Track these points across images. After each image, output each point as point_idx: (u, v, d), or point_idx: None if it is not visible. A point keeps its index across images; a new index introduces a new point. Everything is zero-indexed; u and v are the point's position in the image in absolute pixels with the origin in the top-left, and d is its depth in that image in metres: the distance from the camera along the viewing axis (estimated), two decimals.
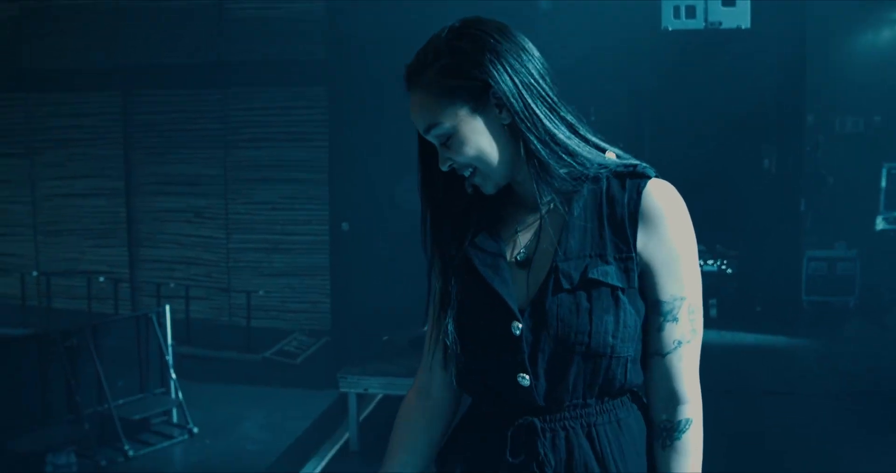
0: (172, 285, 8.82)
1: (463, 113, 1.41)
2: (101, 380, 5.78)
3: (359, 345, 5.75)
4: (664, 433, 1.49)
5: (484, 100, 1.40)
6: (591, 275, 1.42)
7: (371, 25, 7.68)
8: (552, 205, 1.47)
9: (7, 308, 9.09)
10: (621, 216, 1.44)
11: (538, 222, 1.50)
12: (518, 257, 1.49)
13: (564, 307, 1.42)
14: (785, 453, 4.97)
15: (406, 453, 1.64)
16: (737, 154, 8.11)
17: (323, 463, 5.15)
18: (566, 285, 1.42)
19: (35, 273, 9.42)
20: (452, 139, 1.43)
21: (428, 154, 1.52)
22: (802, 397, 6.08)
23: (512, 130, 1.42)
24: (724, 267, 8.37)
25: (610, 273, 1.42)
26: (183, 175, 9.40)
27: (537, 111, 1.41)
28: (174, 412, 6.18)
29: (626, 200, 1.44)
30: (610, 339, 1.42)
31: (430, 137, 1.46)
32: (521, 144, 1.42)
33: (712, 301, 8.03)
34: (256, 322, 8.58)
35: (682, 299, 1.45)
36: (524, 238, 1.51)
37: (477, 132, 1.42)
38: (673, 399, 1.48)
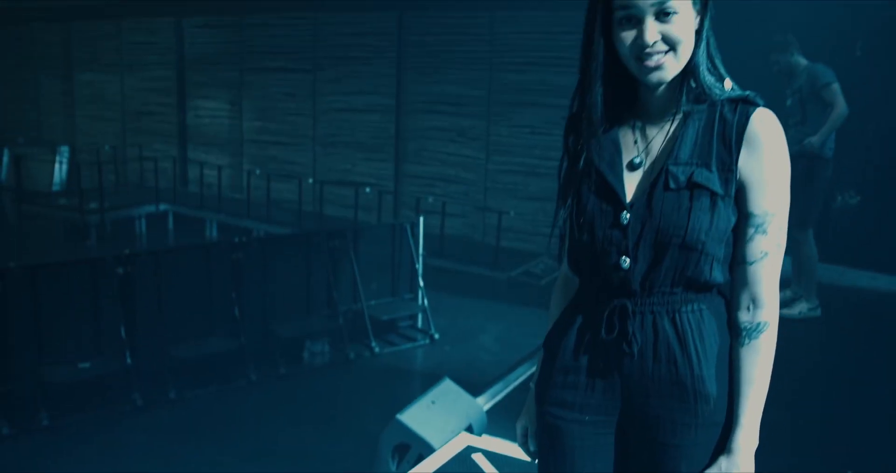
0: (431, 199, 9.26)
1: (692, 4, 1.65)
2: (357, 281, 6.28)
3: None
4: (744, 332, 1.70)
5: (704, 4, 1.67)
6: (695, 179, 1.64)
7: None
8: (675, 117, 1.70)
9: (286, 211, 10.00)
10: (729, 135, 1.65)
11: (655, 131, 1.72)
12: (634, 160, 1.72)
13: (669, 203, 1.64)
14: None
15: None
16: None
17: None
18: (673, 186, 1.65)
19: (311, 181, 10.25)
20: (676, 18, 1.62)
21: (605, 54, 1.68)
22: None
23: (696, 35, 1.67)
24: None
25: (712, 180, 1.64)
26: (449, 95, 9.76)
27: (710, 32, 1.68)
28: (420, 317, 6.61)
29: (735, 121, 1.65)
30: (703, 236, 1.63)
31: (654, 6, 1.60)
32: (696, 49, 1.66)
33: None
34: (507, 243, 8.84)
35: (772, 214, 1.65)
36: (640, 146, 1.73)
37: (691, 22, 1.65)
38: (755, 303, 1.69)
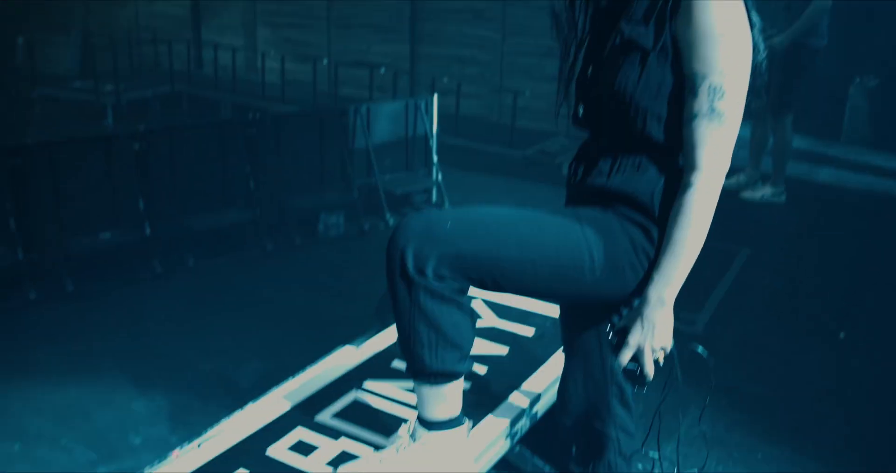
0: (446, 80, 9.17)
1: None
2: (371, 156, 6.31)
3: None
4: (678, 191, 1.75)
5: None
6: (629, 35, 1.74)
7: None
8: None
9: (301, 92, 9.93)
10: None
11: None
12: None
13: (610, 59, 1.78)
14: None
15: None
16: None
17: None
18: (617, 42, 1.76)
19: (325, 62, 10.14)
20: None
21: None
22: None
23: None
24: None
25: (645, 36, 1.72)
26: None
27: None
28: (434, 191, 6.65)
29: None
30: (630, 87, 1.73)
31: None
32: None
33: None
34: (522, 122, 8.79)
35: (702, 76, 1.66)
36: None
37: None
38: (687, 163, 1.74)
